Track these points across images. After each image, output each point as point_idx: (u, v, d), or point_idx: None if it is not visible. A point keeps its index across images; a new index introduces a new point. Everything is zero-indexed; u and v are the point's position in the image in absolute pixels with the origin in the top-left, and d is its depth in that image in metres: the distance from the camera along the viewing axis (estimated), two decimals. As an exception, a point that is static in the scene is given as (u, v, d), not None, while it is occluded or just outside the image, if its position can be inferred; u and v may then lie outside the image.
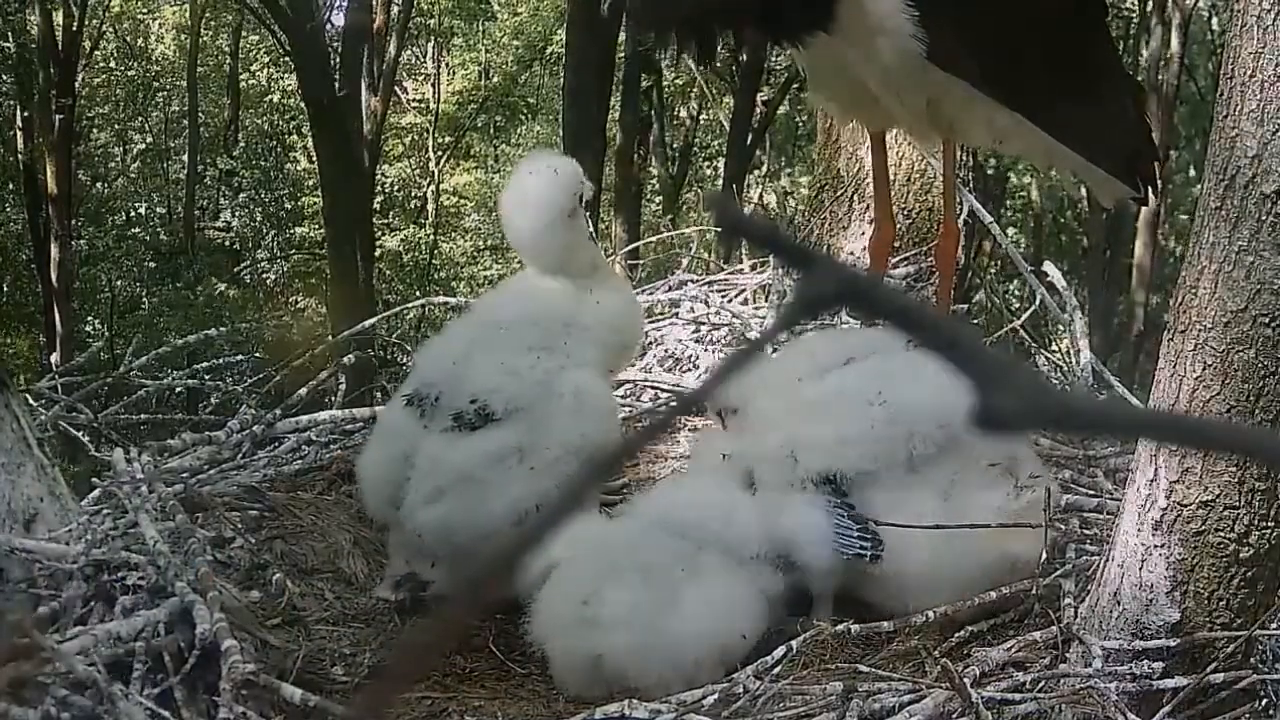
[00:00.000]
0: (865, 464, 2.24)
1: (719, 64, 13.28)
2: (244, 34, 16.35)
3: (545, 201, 2.47)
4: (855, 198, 4.03)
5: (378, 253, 13.57)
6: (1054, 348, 4.06)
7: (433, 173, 16.60)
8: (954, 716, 1.86)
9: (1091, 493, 2.70)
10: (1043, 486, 2.24)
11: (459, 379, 2.40)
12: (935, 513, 2.21)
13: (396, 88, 15.83)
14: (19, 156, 13.85)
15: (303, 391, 3.18)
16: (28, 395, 2.84)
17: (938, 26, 2.31)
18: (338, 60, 11.50)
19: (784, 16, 2.39)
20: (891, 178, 3.89)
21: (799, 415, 2.32)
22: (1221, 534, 1.87)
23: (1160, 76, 11.43)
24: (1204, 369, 1.85)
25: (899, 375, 2.31)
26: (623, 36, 10.01)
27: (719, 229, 3.93)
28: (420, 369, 2.50)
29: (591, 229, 2.66)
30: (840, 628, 2.13)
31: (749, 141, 12.84)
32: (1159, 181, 2.96)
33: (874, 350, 2.42)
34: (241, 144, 16.59)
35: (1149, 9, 12.66)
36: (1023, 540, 2.20)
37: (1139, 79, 11.50)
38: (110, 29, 15.85)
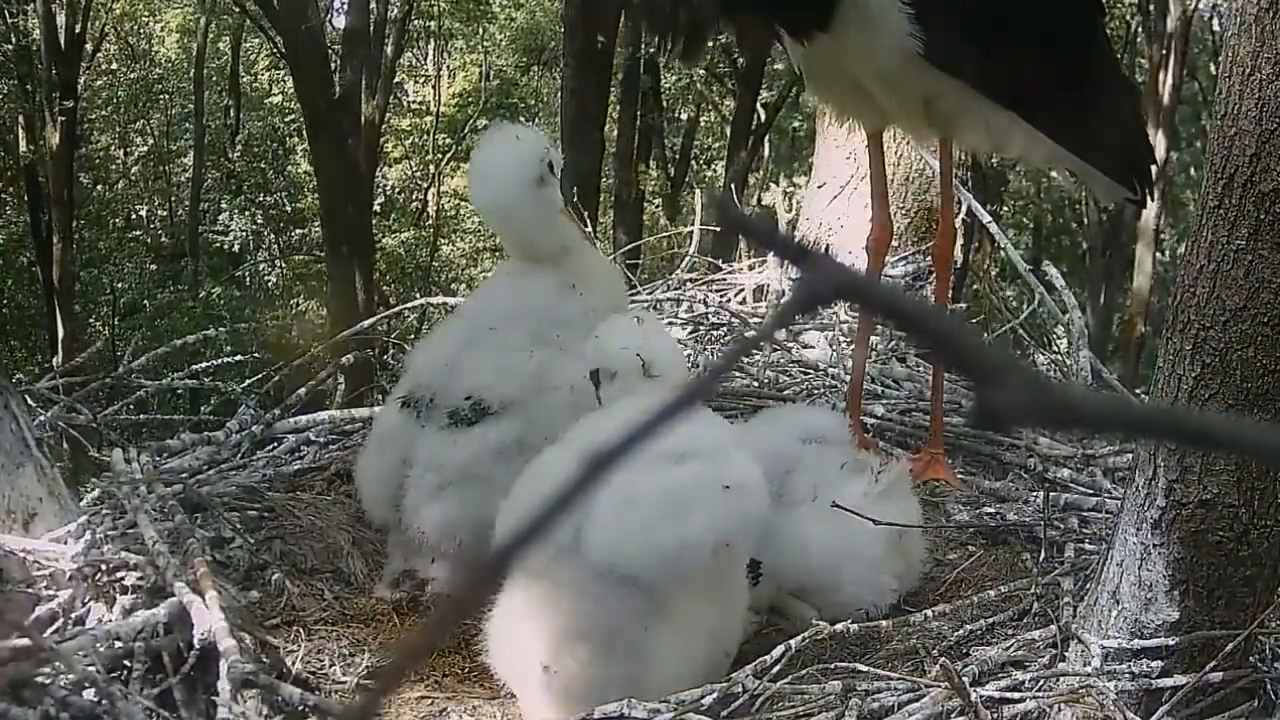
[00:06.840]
0: None
1: (717, 63, 13.30)
2: (245, 36, 16.35)
3: (510, 171, 2.41)
4: (854, 197, 4.03)
5: (378, 255, 13.54)
6: (1054, 348, 4.06)
7: (433, 175, 16.60)
8: (953, 716, 1.85)
9: (1090, 491, 2.70)
10: (894, 470, 2.35)
11: (452, 378, 2.39)
12: (815, 520, 2.29)
13: (397, 90, 15.81)
14: (21, 159, 13.85)
15: (301, 392, 3.18)
16: (28, 395, 2.84)
17: (934, 26, 2.31)
18: (337, 63, 11.48)
19: (787, 14, 2.39)
20: (891, 177, 3.89)
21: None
22: (1221, 533, 1.87)
23: (1161, 78, 11.41)
24: (1203, 368, 1.85)
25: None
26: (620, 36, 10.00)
27: (719, 227, 3.93)
28: (413, 371, 2.50)
29: (573, 212, 2.60)
30: (839, 627, 2.13)
31: (749, 143, 12.83)
32: (1154, 182, 2.96)
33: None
34: (241, 146, 16.58)
35: (1150, 6, 12.64)
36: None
37: (1138, 80, 11.51)
38: (113, 31, 15.86)
